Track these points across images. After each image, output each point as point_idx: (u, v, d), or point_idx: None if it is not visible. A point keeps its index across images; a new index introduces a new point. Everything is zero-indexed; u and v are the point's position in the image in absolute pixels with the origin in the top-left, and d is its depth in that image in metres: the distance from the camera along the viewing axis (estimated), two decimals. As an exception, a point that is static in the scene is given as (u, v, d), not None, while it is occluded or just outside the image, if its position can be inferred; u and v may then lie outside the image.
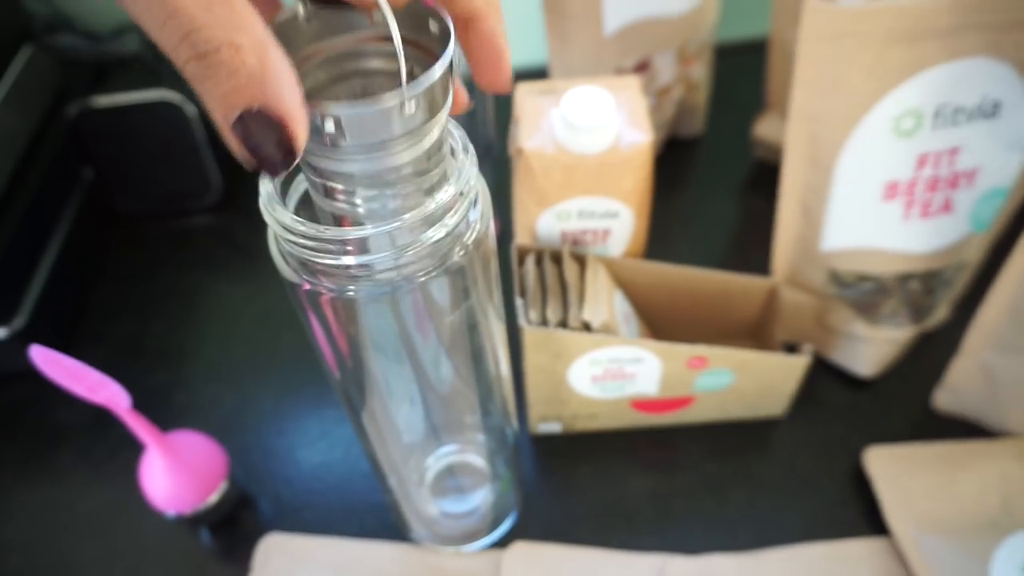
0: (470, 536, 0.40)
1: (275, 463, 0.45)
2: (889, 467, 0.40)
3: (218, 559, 0.41)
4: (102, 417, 0.48)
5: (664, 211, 0.57)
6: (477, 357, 0.35)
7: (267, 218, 0.23)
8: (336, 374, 0.33)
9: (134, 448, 0.45)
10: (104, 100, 0.55)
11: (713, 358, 0.39)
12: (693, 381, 0.40)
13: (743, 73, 0.65)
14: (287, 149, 0.17)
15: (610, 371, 0.39)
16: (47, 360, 0.31)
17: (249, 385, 0.49)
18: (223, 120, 0.16)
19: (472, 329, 0.34)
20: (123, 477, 0.44)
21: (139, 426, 0.36)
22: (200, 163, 0.58)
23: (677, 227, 0.57)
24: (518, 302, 0.37)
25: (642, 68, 0.54)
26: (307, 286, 0.25)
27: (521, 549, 0.38)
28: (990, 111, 0.37)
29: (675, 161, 0.61)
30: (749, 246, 0.54)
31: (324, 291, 0.24)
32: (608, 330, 0.37)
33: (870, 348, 0.44)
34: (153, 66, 0.57)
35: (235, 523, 0.42)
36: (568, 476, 0.43)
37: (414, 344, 0.34)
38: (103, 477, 0.45)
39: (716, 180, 0.60)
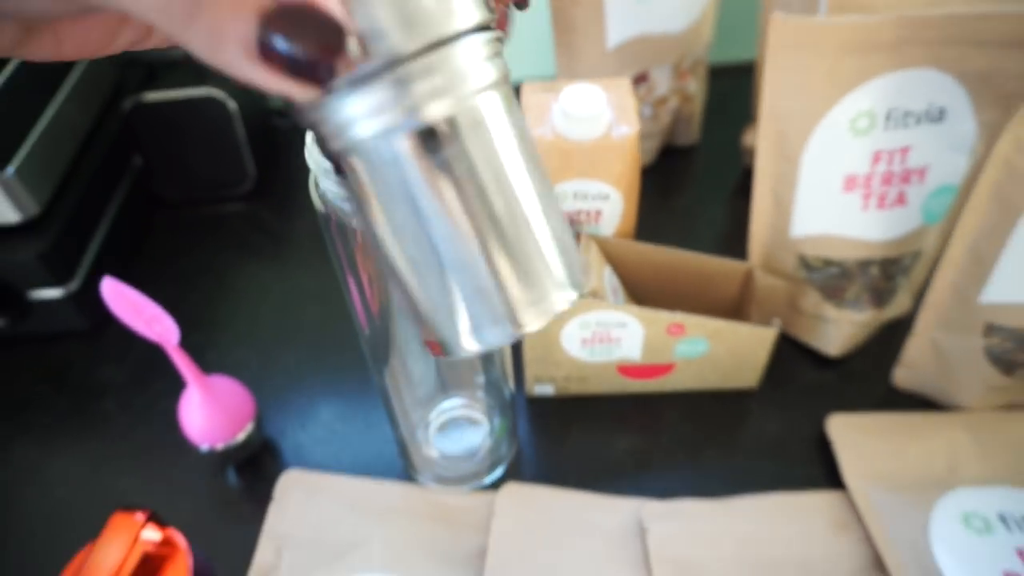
0: (468, 478, 0.44)
1: (295, 414, 0.50)
2: (848, 431, 0.45)
3: (242, 495, 0.46)
4: (141, 374, 0.53)
5: (658, 212, 0.62)
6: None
7: (309, 161, 0.29)
8: (366, 331, 0.39)
9: (170, 399, 0.50)
10: (154, 95, 0.61)
11: (690, 326, 0.44)
12: (673, 348, 0.45)
13: (736, 91, 0.71)
14: (331, 37, 0.14)
15: (598, 334, 0.44)
16: (114, 290, 0.36)
17: (274, 349, 0.54)
18: (240, 49, 0.13)
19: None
20: (160, 425, 0.49)
21: (183, 362, 0.41)
22: (238, 155, 0.64)
23: (670, 227, 0.62)
24: (518, 267, 0.42)
25: (641, 79, 0.60)
26: (335, 217, 0.30)
27: (512, 489, 0.43)
28: (937, 116, 0.42)
29: (671, 167, 0.67)
30: (735, 245, 0.59)
31: (349, 222, 0.30)
32: (597, 295, 0.42)
33: (837, 329, 0.49)
34: (199, 66, 0.63)
35: (258, 464, 0.47)
36: (559, 434, 0.48)
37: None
38: (142, 423, 0.50)
39: (708, 185, 0.66)
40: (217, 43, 0.13)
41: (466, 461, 0.44)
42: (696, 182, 0.66)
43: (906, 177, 0.44)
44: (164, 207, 0.66)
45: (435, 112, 0.16)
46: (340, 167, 0.17)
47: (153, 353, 0.53)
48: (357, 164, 0.17)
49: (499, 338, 0.18)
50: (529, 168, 0.17)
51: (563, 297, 0.18)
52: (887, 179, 0.44)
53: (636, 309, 0.42)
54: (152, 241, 0.64)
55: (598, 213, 0.46)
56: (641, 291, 0.49)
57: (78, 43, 0.18)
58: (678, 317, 0.43)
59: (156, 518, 0.41)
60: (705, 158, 0.68)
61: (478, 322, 0.18)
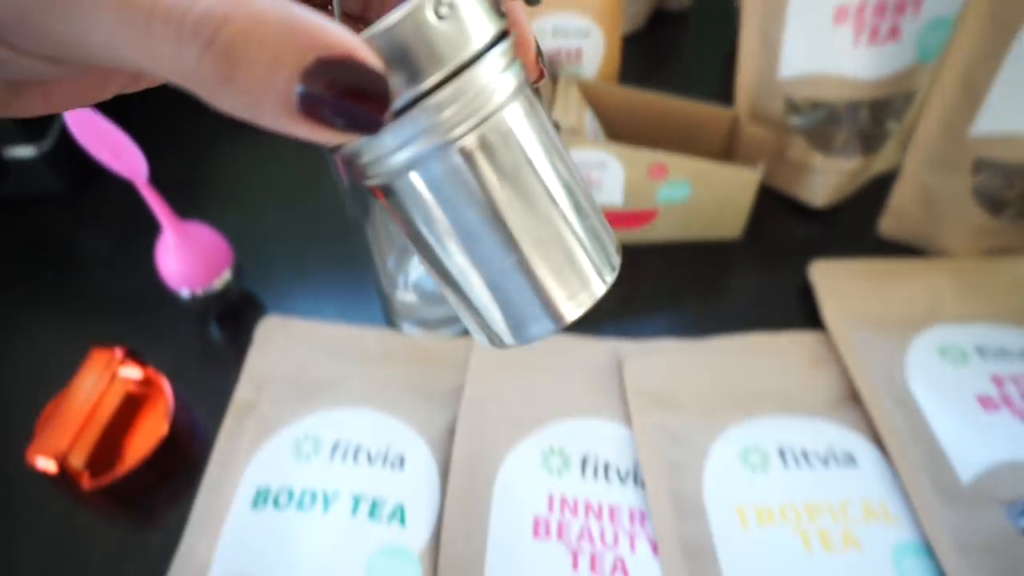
0: (448, 323, 0.44)
1: (278, 268, 0.50)
2: (831, 276, 0.44)
3: (223, 343, 0.46)
4: (123, 232, 0.53)
5: (647, 81, 0.60)
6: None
7: None
8: (345, 183, 0.38)
9: (152, 255, 0.50)
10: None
11: (672, 167, 0.43)
12: (655, 192, 0.44)
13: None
14: (375, 87, 0.14)
15: (578, 176, 0.43)
16: (78, 119, 0.35)
17: (256, 206, 0.54)
18: (280, 107, 0.13)
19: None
20: (143, 278, 0.49)
21: (155, 202, 0.41)
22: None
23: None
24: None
25: (630, -68, 0.57)
26: None
27: (492, 331, 0.43)
28: (936, -62, 0.40)
29: (661, 33, 0.64)
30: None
31: None
32: (576, 132, 0.41)
33: (824, 179, 0.48)
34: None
35: (239, 315, 0.47)
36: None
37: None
38: (124, 278, 0.50)
39: (700, 53, 0.63)
40: (255, 103, 0.13)
41: (445, 303, 0.44)
42: (687, 49, 0.64)
43: (900, 7, 0.42)
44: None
45: (465, 134, 0.16)
46: (376, 192, 0.18)
47: (134, 212, 0.53)
48: (392, 190, 0.17)
49: (540, 333, 0.18)
50: (555, 162, 0.18)
51: (600, 282, 0.18)
52: (880, 10, 0.42)
53: (616, 147, 0.41)
54: (130, 106, 0.63)
55: (579, 51, 0.44)
56: (623, 138, 0.48)
57: (67, 97, 0.17)
58: (660, 156, 0.42)
59: (135, 355, 0.41)
60: (698, 24, 0.66)
61: (519, 321, 0.18)
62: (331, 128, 0.13)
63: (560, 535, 0.33)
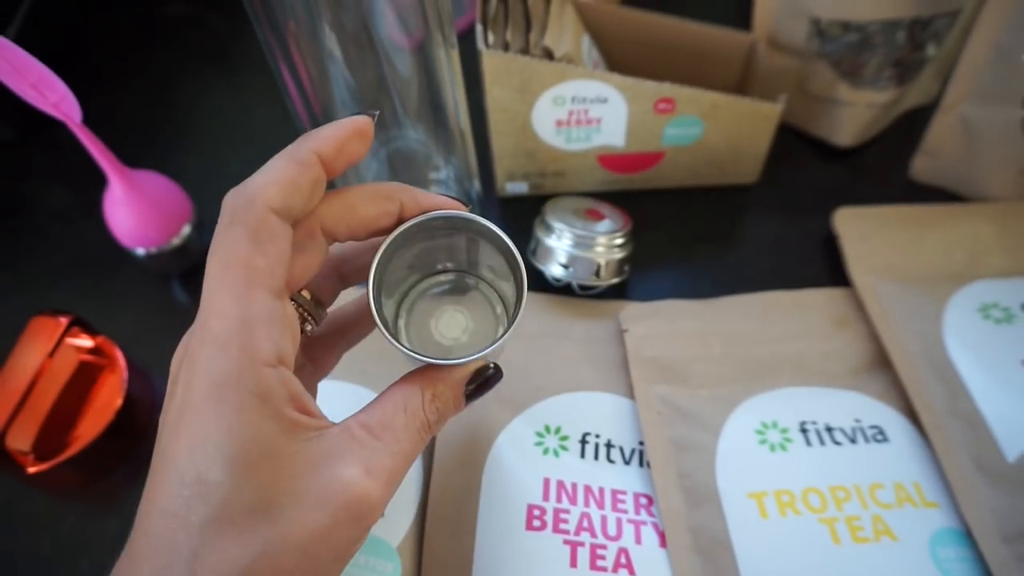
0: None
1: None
2: (857, 224, 0.40)
3: (188, 306, 0.42)
4: (76, 185, 0.48)
5: (654, 1, 0.55)
6: (436, 107, 0.35)
7: None
8: (306, 122, 0.34)
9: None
10: None
11: (681, 101, 0.38)
12: (661, 131, 0.39)
13: None
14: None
15: (575, 114, 0.38)
16: (-14, 46, 0.30)
17: (219, 155, 0.49)
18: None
19: (429, 74, 0.33)
20: (97, 237, 0.44)
21: (96, 148, 0.36)
22: (169, -60, 0.56)
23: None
24: (478, 28, 0.36)
25: None
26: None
27: (480, 291, 0.39)
28: None
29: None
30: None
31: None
32: (571, 61, 0.36)
33: (851, 114, 0.43)
34: None
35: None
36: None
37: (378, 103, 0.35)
38: (77, 236, 0.45)
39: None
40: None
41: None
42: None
43: (949, -88, 0.36)
44: (98, 8, 0.59)
45: None
46: None
47: (89, 163, 0.48)
48: None
49: None
50: None
51: None
52: (926, -85, 0.36)
53: (618, 78, 0.36)
54: (84, 45, 0.57)
55: (576, -31, 0.38)
56: (626, 69, 0.42)
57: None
58: (667, 89, 0.37)
59: (83, 324, 0.37)
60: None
61: None
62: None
63: (556, 526, 0.30)
